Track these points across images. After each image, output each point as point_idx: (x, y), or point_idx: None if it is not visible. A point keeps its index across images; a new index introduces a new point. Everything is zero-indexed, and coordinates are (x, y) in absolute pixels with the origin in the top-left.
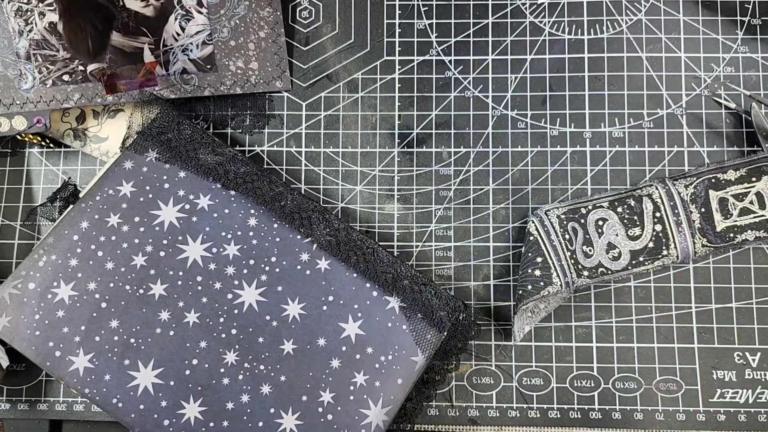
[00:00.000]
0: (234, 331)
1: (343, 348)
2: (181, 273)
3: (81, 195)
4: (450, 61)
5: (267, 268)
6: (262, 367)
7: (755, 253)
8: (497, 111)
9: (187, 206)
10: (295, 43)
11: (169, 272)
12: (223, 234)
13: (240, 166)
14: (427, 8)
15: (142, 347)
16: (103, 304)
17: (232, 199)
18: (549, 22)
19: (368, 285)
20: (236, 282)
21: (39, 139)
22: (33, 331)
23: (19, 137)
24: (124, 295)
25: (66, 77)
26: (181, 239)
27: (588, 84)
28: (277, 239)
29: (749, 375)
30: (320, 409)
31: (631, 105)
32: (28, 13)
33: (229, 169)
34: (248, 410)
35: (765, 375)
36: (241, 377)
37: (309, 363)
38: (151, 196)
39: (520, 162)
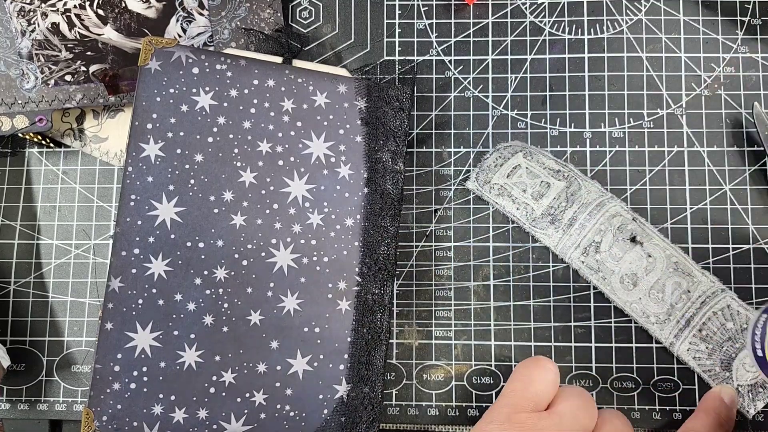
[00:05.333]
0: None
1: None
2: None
3: None
4: (450, 61)
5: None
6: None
7: (755, 253)
8: (497, 111)
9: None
10: (295, 44)
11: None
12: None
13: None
14: (427, 8)
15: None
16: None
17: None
18: (549, 22)
19: (346, 356)
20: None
21: (39, 138)
22: None
23: (20, 135)
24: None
25: (68, 77)
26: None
27: (588, 84)
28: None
29: None
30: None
31: (631, 105)
32: (31, 13)
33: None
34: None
35: None
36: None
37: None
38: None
39: None
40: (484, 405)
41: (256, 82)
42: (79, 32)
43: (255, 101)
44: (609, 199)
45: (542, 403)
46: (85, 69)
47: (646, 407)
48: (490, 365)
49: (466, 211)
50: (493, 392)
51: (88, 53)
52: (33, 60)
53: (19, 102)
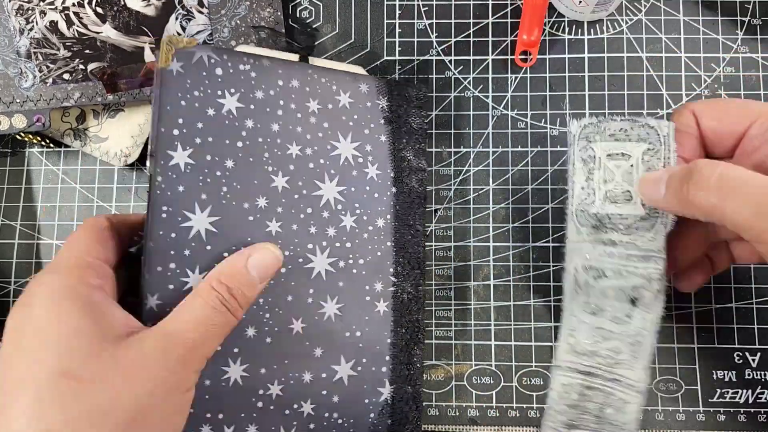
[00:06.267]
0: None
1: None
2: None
3: None
4: (450, 61)
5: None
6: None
7: None
8: (497, 111)
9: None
10: (295, 43)
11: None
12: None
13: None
14: (427, 8)
15: None
16: None
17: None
18: (549, 22)
19: (387, 358)
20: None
21: (39, 138)
22: None
23: (19, 136)
24: None
25: (66, 76)
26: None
27: (588, 84)
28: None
29: (749, 375)
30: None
31: (631, 105)
32: (29, 11)
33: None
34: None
35: (765, 375)
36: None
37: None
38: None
39: (520, 162)
40: (484, 405)
41: (280, 82)
42: (77, 30)
43: (281, 103)
44: (657, 259)
45: None
46: (84, 67)
47: (649, 408)
48: (490, 365)
49: (466, 211)
50: (494, 392)
51: (87, 51)
52: (31, 58)
53: (17, 101)
